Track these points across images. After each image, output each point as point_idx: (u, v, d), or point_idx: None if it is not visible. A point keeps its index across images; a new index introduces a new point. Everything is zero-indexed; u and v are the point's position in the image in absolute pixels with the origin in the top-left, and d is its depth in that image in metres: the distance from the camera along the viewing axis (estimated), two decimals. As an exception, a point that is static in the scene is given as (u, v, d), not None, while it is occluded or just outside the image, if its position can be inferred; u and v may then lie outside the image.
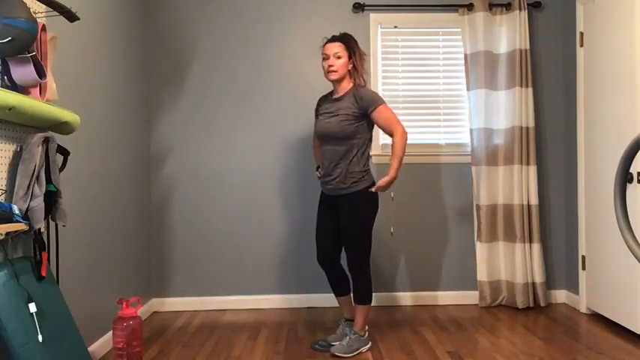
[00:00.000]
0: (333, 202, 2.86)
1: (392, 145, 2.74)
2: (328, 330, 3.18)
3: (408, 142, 3.75)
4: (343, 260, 3.12)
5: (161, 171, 3.70)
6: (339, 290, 2.93)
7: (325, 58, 2.79)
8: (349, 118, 2.73)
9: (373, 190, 2.75)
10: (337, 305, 3.66)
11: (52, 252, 2.25)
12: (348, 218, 2.76)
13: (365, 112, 2.74)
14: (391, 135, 2.75)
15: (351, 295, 2.87)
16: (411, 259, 3.75)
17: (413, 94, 3.77)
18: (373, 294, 3.69)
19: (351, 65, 2.79)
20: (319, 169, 2.97)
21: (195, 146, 3.71)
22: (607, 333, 3.06)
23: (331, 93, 2.91)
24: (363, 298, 2.77)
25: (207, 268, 3.71)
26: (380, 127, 2.77)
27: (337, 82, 2.80)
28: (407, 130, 3.74)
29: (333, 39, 2.81)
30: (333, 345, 2.80)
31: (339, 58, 2.75)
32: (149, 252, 3.66)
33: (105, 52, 2.94)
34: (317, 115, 2.95)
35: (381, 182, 2.72)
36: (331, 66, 2.75)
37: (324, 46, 2.82)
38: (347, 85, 2.81)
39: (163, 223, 3.70)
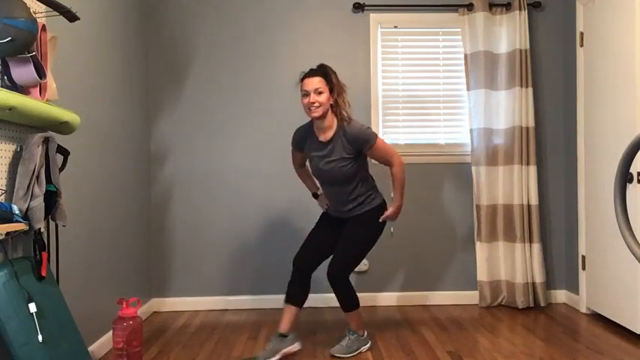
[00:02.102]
0: (340, 220, 2.83)
1: (392, 176, 2.72)
2: (328, 330, 3.18)
3: (409, 142, 3.76)
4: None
5: (161, 171, 3.70)
6: (296, 299, 2.72)
7: (305, 94, 2.60)
8: (347, 162, 2.64)
9: (381, 220, 2.74)
10: (337, 305, 3.65)
11: (52, 252, 2.25)
12: (351, 234, 2.74)
13: (360, 152, 2.66)
14: (388, 165, 2.71)
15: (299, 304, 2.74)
16: (411, 259, 3.75)
17: (413, 94, 3.77)
18: (373, 294, 3.70)
19: (333, 100, 2.62)
20: (322, 202, 2.93)
21: (195, 146, 3.71)
22: (607, 333, 3.06)
23: (312, 129, 2.74)
24: (351, 306, 2.74)
25: (207, 268, 3.71)
26: (376, 160, 2.74)
27: (321, 118, 2.62)
28: (406, 130, 3.77)
29: (311, 73, 2.63)
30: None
31: (320, 93, 2.58)
32: (149, 252, 3.65)
33: (105, 51, 2.94)
34: (299, 149, 2.83)
35: (388, 213, 2.75)
36: (313, 103, 2.57)
37: (302, 80, 2.63)
38: (332, 123, 2.65)
39: (163, 223, 3.70)
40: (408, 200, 3.73)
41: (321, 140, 2.69)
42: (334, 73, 2.66)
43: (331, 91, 2.62)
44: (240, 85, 3.72)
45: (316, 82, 2.60)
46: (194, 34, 3.70)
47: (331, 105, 2.63)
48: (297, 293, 2.73)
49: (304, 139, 2.79)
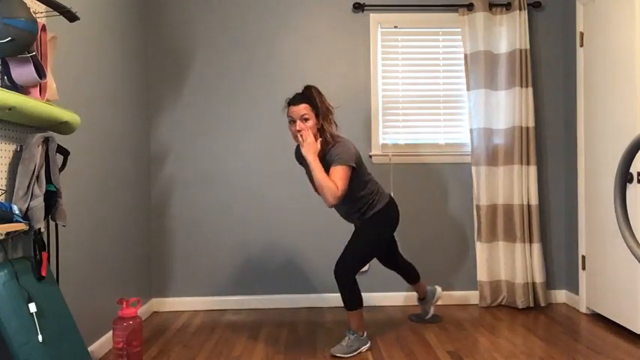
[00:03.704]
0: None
1: (327, 175, 2.59)
2: (328, 330, 3.18)
3: (409, 142, 3.76)
4: (406, 253, 3.33)
5: (161, 171, 3.70)
6: (408, 279, 3.18)
7: (291, 121, 2.65)
8: None
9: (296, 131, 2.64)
10: (337, 305, 3.67)
11: (52, 252, 2.25)
12: (359, 232, 2.82)
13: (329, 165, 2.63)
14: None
15: (416, 282, 3.21)
16: (411, 259, 3.75)
17: (413, 94, 3.77)
18: (373, 294, 3.70)
19: (319, 125, 2.65)
20: None
21: (196, 146, 3.71)
22: (607, 333, 3.06)
23: None
24: (351, 305, 2.75)
25: (207, 268, 3.71)
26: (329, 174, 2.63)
27: None
28: (406, 130, 3.78)
29: (296, 100, 2.65)
30: (424, 318, 3.28)
31: (306, 120, 2.62)
32: (149, 252, 3.65)
33: (105, 51, 2.94)
34: (300, 163, 2.94)
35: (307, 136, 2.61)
36: (299, 131, 2.62)
37: (288, 107, 2.67)
38: (320, 146, 2.66)
39: (163, 223, 3.70)
40: (409, 200, 3.74)
41: None
42: (320, 94, 2.67)
43: (317, 116, 2.64)
44: (240, 85, 3.72)
45: (302, 109, 2.62)
46: (194, 34, 3.70)
47: (318, 129, 2.66)
48: (405, 277, 3.17)
49: (302, 157, 2.84)
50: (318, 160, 2.60)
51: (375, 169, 3.65)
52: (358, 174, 2.72)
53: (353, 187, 2.71)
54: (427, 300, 3.29)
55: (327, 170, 2.63)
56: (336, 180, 2.57)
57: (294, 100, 2.66)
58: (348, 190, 2.68)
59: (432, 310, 3.30)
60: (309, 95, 2.66)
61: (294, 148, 2.96)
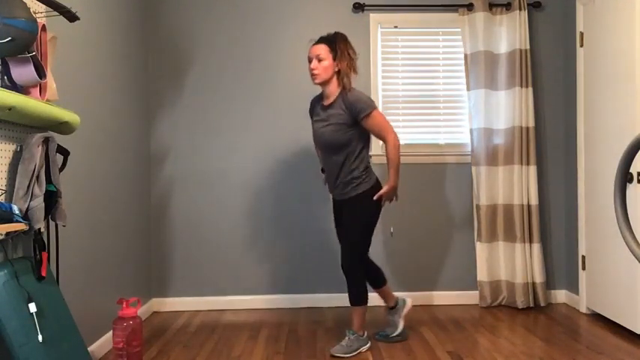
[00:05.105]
0: (340, 207, 2.87)
1: (386, 154, 2.71)
2: (328, 330, 3.18)
3: (409, 142, 3.76)
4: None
5: (161, 171, 3.70)
6: (375, 284, 2.95)
7: (309, 60, 2.72)
8: (342, 127, 2.68)
9: (375, 198, 2.71)
10: (337, 305, 3.67)
11: (52, 252, 2.25)
12: (349, 220, 2.76)
13: (356, 119, 2.67)
14: (383, 140, 2.70)
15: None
16: (411, 259, 3.75)
17: (413, 94, 3.77)
18: (373, 294, 3.69)
19: (337, 68, 2.69)
20: (324, 174, 2.95)
21: (196, 146, 3.71)
22: (607, 333, 3.06)
23: (321, 96, 2.84)
24: (357, 300, 2.75)
25: (207, 268, 3.71)
26: (371, 132, 2.73)
27: (324, 85, 2.73)
28: (406, 130, 3.77)
29: (319, 40, 2.73)
30: (390, 335, 2.95)
31: (321, 60, 2.67)
32: (149, 252, 3.66)
33: (105, 52, 2.94)
34: (311, 117, 2.93)
35: (382, 191, 2.71)
36: (313, 69, 2.69)
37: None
38: (335, 90, 2.72)
39: (163, 223, 3.70)
40: (408, 200, 3.74)
41: (324, 104, 2.78)
42: (345, 41, 2.72)
43: (335, 58, 2.68)
44: (240, 84, 3.72)
45: (319, 49, 2.69)
46: (194, 34, 3.70)
47: (335, 73, 2.70)
48: (371, 281, 2.95)
49: (315, 105, 2.89)
50: (396, 175, 2.70)
51: (375, 169, 3.65)
52: (366, 130, 2.73)
53: (351, 136, 2.69)
54: (397, 309, 2.98)
55: (352, 121, 2.67)
56: (381, 133, 2.67)
57: (318, 40, 2.74)
58: (345, 137, 2.69)
59: (401, 324, 2.96)
60: (331, 38, 2.72)
61: (311, 100, 2.97)
